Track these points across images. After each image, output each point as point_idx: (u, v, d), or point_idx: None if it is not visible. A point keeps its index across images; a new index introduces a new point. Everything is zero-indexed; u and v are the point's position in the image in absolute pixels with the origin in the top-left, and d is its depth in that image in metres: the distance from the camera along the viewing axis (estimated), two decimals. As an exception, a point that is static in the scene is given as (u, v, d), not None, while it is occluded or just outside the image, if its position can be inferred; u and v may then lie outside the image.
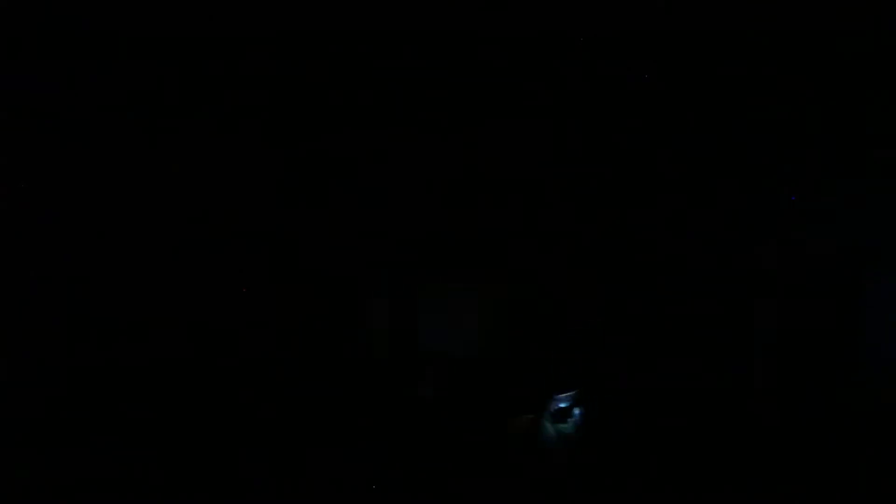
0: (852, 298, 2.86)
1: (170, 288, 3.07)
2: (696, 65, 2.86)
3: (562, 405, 2.79)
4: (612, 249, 2.96)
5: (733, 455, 2.74)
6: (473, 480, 2.68)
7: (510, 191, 3.00)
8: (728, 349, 2.90)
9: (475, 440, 2.78)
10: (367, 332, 3.05)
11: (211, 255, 3.09)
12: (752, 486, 2.67)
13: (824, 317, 2.87)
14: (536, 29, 2.88)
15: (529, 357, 2.97)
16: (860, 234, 2.85)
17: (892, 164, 2.83)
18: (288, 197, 3.06)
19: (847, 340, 2.84)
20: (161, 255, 3.06)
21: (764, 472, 2.71)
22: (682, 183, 2.93)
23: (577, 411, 2.80)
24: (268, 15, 2.95)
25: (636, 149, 2.93)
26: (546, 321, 3.00)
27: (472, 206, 3.00)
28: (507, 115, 2.97)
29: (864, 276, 2.86)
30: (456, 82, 2.96)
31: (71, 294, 3.06)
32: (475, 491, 2.65)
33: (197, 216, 3.08)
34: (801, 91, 2.84)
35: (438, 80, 2.96)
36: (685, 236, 2.92)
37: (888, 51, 2.76)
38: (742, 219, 2.91)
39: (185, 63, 3.02)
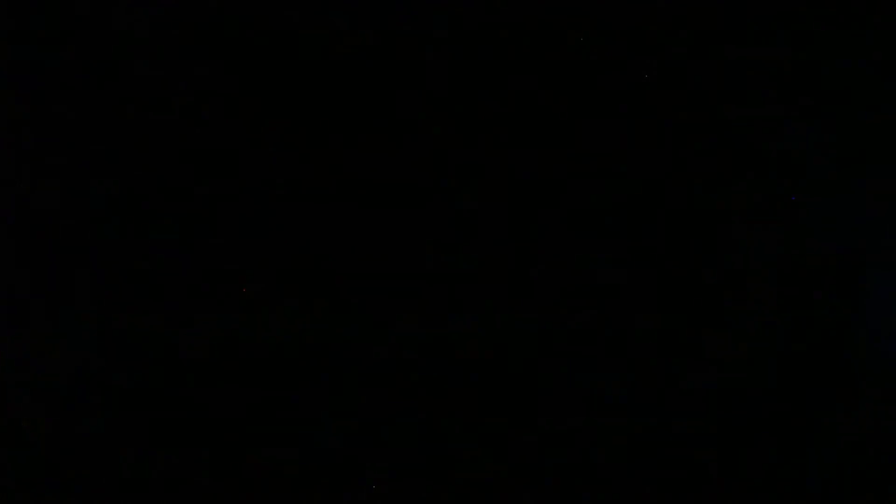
0: (852, 298, 2.86)
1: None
2: (695, 63, 2.86)
3: None
4: (604, 252, 2.96)
5: (732, 455, 2.74)
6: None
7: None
8: (727, 349, 2.90)
9: None
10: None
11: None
12: (752, 487, 2.67)
13: (824, 317, 2.86)
14: (534, 27, 2.89)
15: None
16: (860, 234, 2.85)
17: (892, 164, 2.83)
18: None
19: (847, 340, 2.84)
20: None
21: (763, 472, 2.71)
22: (679, 182, 2.93)
23: None
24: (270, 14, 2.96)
25: (634, 148, 2.93)
26: None
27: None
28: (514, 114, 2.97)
29: (864, 276, 2.86)
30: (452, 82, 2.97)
31: (71, 292, 3.06)
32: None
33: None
34: (802, 90, 2.85)
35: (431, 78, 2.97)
36: (683, 236, 2.92)
37: (888, 49, 2.77)
38: (741, 218, 2.91)
39: (185, 62, 3.02)
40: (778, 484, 2.67)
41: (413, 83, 2.97)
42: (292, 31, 2.98)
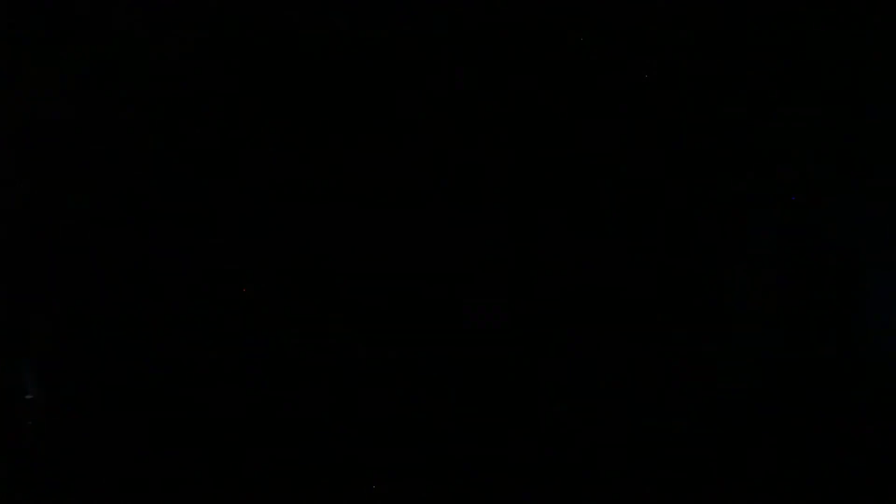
0: (852, 298, 2.86)
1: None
2: (695, 63, 2.86)
3: None
4: (604, 253, 2.96)
5: (732, 455, 2.74)
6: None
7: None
8: (727, 349, 2.90)
9: None
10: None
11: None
12: (752, 487, 2.67)
13: (824, 317, 2.87)
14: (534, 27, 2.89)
15: None
16: (860, 234, 2.85)
17: (892, 164, 2.83)
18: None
19: (847, 340, 2.84)
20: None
21: (763, 472, 2.71)
22: (680, 182, 2.93)
23: None
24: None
25: (634, 148, 2.93)
26: None
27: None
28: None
29: (864, 276, 2.86)
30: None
31: (72, 293, 3.06)
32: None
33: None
34: (802, 90, 2.85)
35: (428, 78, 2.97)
36: (682, 236, 2.92)
37: (888, 49, 2.77)
38: (741, 218, 2.91)
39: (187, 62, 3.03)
40: (778, 484, 2.67)
41: (413, 83, 2.97)
42: (292, 31, 2.98)
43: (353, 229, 3.03)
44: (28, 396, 2.94)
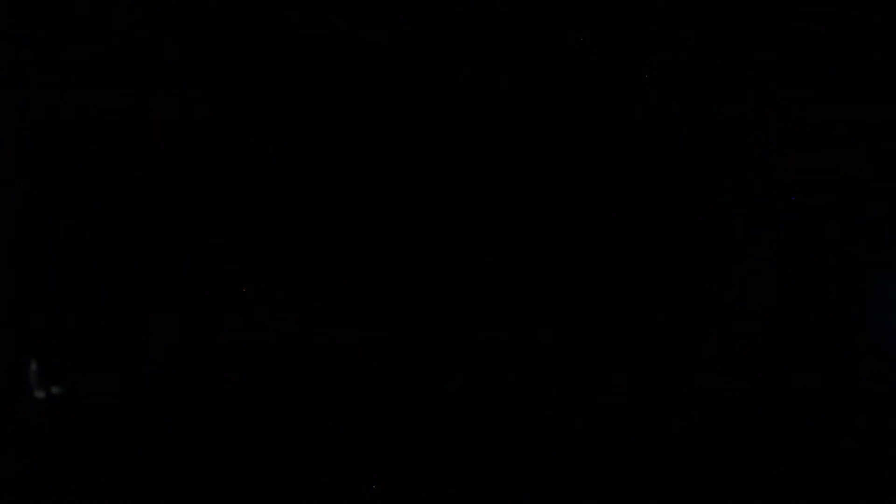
0: (852, 297, 2.86)
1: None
2: (695, 63, 2.86)
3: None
4: (604, 253, 2.96)
5: (732, 455, 2.74)
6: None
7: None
8: (727, 349, 2.90)
9: None
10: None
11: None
12: (751, 487, 2.67)
13: (824, 317, 2.87)
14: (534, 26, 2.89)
15: None
16: (860, 234, 2.85)
17: (892, 164, 2.83)
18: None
19: (847, 340, 2.84)
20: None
21: (763, 472, 2.71)
22: (680, 182, 2.93)
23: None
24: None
25: (634, 148, 2.93)
26: None
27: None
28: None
29: (864, 276, 2.86)
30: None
31: (72, 294, 3.06)
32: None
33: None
34: (802, 90, 2.85)
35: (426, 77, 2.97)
36: (683, 236, 2.92)
37: (888, 49, 2.77)
38: (741, 218, 2.91)
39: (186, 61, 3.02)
40: (778, 484, 2.67)
41: (413, 83, 2.97)
42: (292, 31, 2.98)
43: (353, 229, 3.03)
44: (38, 395, 2.94)
